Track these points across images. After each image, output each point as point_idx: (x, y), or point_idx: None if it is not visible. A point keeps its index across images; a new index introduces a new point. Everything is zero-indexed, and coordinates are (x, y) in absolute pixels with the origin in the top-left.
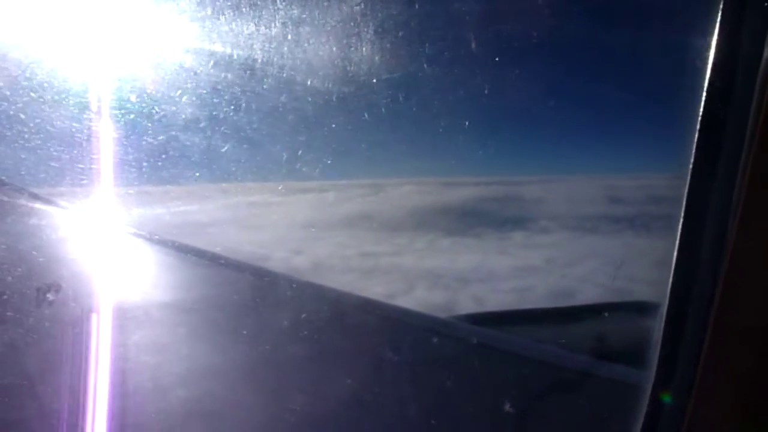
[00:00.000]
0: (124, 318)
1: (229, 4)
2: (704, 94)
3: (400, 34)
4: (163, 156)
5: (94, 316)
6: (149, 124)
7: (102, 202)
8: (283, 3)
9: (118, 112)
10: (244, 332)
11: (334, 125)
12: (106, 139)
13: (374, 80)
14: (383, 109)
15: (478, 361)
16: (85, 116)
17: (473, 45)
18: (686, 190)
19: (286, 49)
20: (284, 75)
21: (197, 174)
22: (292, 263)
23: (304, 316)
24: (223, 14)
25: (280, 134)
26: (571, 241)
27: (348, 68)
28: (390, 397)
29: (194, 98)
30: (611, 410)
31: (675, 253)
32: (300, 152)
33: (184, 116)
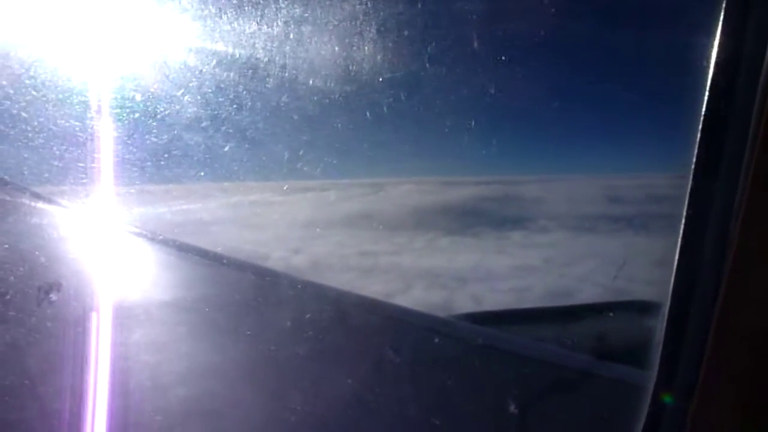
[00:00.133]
0: (124, 317)
1: (231, 3)
2: (707, 93)
3: (402, 33)
4: (165, 155)
5: (94, 315)
6: (151, 123)
7: (103, 201)
8: (285, 2)
9: (119, 111)
10: (244, 331)
11: (334, 125)
12: (107, 138)
13: (375, 80)
14: (384, 109)
15: (479, 361)
16: (87, 115)
17: (473, 45)
18: (688, 190)
19: (288, 48)
20: (286, 74)
21: (198, 173)
22: (292, 262)
23: (304, 315)
24: (226, 14)
25: (282, 133)
26: (570, 240)
27: (349, 68)
28: (390, 397)
29: (196, 97)
30: (612, 410)
31: (677, 253)
32: (301, 151)
33: (185, 115)
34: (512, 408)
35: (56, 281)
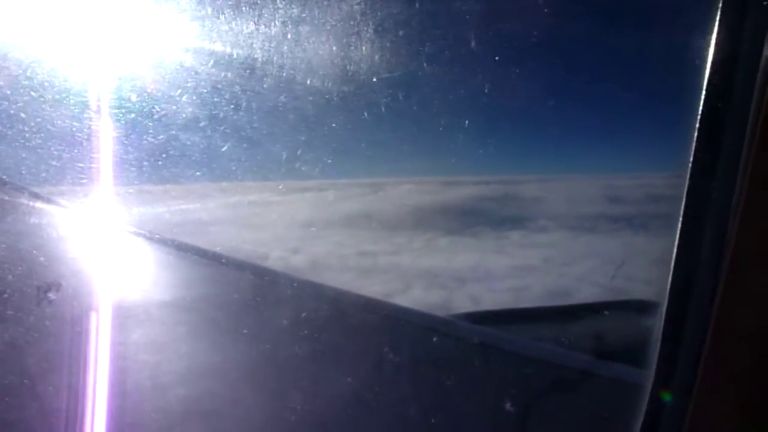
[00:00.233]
0: (124, 316)
1: (229, 3)
2: (704, 92)
3: (400, 33)
4: (163, 155)
5: (94, 315)
6: (149, 124)
7: (102, 200)
8: (283, 2)
9: (118, 111)
10: (244, 331)
11: (333, 125)
12: (106, 138)
13: (374, 79)
14: (382, 109)
15: (478, 360)
16: (85, 115)
17: (472, 44)
18: (686, 190)
19: (285, 48)
20: (284, 74)
21: (197, 173)
22: (290, 262)
23: (303, 314)
24: (223, 14)
25: (280, 133)
26: (569, 240)
27: (347, 67)
28: (389, 396)
29: (194, 97)
30: (611, 409)
31: (675, 252)
32: (299, 151)
33: (184, 115)
34: (511, 407)
35: (55, 281)
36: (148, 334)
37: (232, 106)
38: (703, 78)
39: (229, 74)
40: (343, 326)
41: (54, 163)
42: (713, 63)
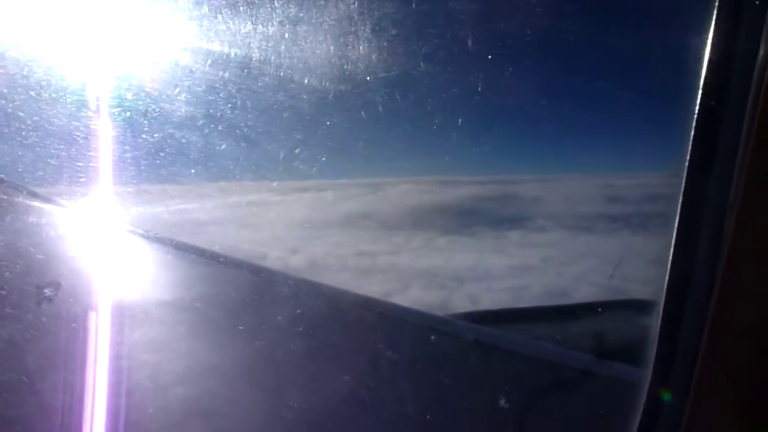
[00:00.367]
0: (123, 316)
1: (227, 3)
2: (700, 92)
3: (398, 32)
4: (162, 154)
5: (93, 314)
6: (148, 123)
7: (101, 200)
8: (281, 2)
9: (116, 110)
10: (243, 330)
11: (332, 124)
12: (104, 138)
13: (372, 79)
14: (381, 108)
15: (476, 359)
16: (83, 114)
17: (470, 43)
18: (682, 188)
19: (284, 47)
20: (282, 74)
21: (196, 173)
22: (289, 262)
23: (303, 313)
24: (221, 13)
25: (280, 134)
26: (568, 239)
27: (345, 67)
28: (388, 395)
29: (193, 97)
30: (609, 407)
31: (672, 251)
32: (299, 152)
33: (183, 115)
34: (509, 405)
35: (55, 280)
36: (147, 333)
37: (230, 106)
38: (700, 77)
39: (227, 74)
40: (341, 325)
41: (52, 162)
42: (709, 62)
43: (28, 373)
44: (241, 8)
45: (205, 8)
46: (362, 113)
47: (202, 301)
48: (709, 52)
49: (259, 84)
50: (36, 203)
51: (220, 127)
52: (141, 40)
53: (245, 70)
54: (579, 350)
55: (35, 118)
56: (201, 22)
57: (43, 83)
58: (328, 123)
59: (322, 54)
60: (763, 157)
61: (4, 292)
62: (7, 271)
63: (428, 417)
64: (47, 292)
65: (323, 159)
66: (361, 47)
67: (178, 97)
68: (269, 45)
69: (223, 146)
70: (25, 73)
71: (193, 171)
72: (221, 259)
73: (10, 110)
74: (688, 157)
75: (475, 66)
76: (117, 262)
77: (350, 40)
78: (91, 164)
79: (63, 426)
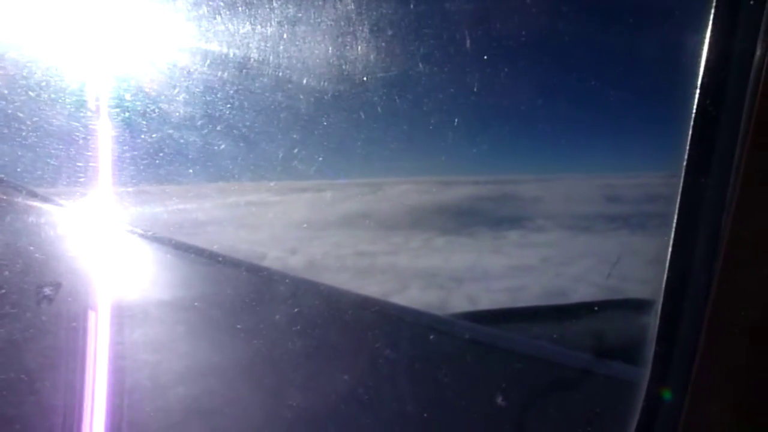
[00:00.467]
0: (122, 315)
1: (226, 3)
2: (697, 92)
3: (396, 32)
4: (161, 155)
5: (92, 314)
6: (147, 123)
7: (100, 200)
8: (279, 2)
9: (115, 110)
10: (243, 329)
11: (331, 125)
12: (103, 138)
13: (370, 79)
14: (380, 109)
15: (474, 358)
16: (83, 115)
17: (469, 44)
18: (681, 188)
19: (283, 47)
20: (281, 74)
21: (195, 173)
22: (288, 262)
23: (301, 313)
24: (220, 14)
25: (278, 134)
26: (567, 239)
27: (344, 67)
28: (388, 394)
29: (192, 97)
30: (607, 407)
31: (670, 251)
32: (298, 152)
33: (182, 115)
34: (508, 405)
35: (54, 280)
36: (146, 333)
37: (229, 106)
38: (697, 77)
39: (226, 74)
40: (341, 324)
41: (51, 162)
42: (707, 62)
43: (28, 373)
44: (240, 9)
45: (204, 9)
46: (361, 113)
47: (202, 300)
48: (706, 52)
49: (258, 84)
50: (35, 203)
51: (218, 128)
52: (140, 41)
53: (244, 71)
54: (577, 349)
55: (35, 118)
56: (200, 22)
57: (43, 84)
58: (326, 123)
59: (320, 54)
60: (761, 156)
61: (3, 292)
62: (7, 270)
63: (426, 416)
64: (47, 291)
65: (322, 159)
66: (359, 47)
67: (177, 98)
68: (268, 45)
69: (222, 146)
70: (24, 73)
71: (191, 171)
72: (220, 259)
73: (9, 110)
74: (686, 157)
75: (474, 66)
76: (116, 261)
77: (348, 40)
78: (90, 164)
79: (62, 425)
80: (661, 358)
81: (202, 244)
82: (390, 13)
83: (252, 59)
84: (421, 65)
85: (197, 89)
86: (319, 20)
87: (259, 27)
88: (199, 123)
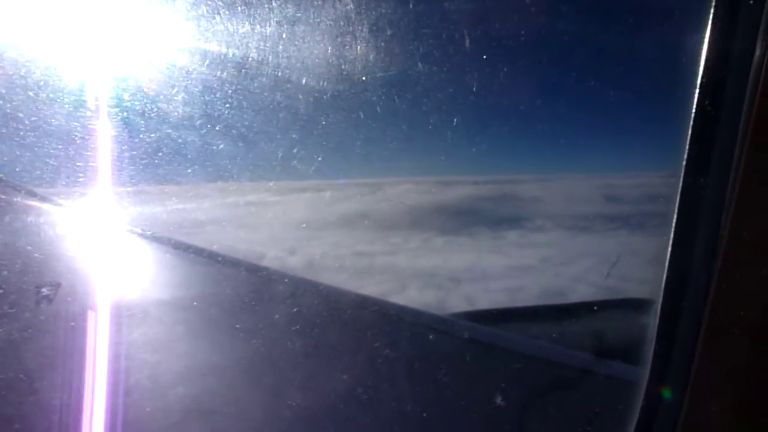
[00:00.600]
0: (121, 315)
1: (225, 3)
2: (697, 92)
3: (396, 32)
4: (160, 155)
5: (91, 313)
6: (146, 123)
7: (99, 199)
8: (278, 2)
9: (114, 110)
10: (242, 329)
11: (330, 124)
12: (103, 138)
13: (369, 79)
14: (379, 109)
15: (474, 358)
16: (82, 115)
17: (468, 44)
18: (680, 188)
19: (281, 48)
20: (279, 74)
21: (194, 173)
22: (287, 262)
23: (300, 312)
24: (219, 14)
25: (277, 134)
26: (566, 239)
27: (343, 67)
28: (387, 394)
29: (191, 97)
30: (607, 406)
31: (669, 250)
32: (297, 152)
33: (180, 115)
34: (507, 404)
35: (54, 279)
36: (145, 332)
37: (228, 106)
38: (697, 77)
39: (225, 74)
40: (340, 324)
41: (51, 161)
42: (706, 62)
43: (27, 372)
44: (239, 9)
45: (203, 9)
46: (360, 113)
47: (201, 300)
48: (705, 52)
49: (257, 84)
50: (34, 203)
51: (217, 128)
52: (139, 41)
53: (243, 71)
54: (577, 349)
55: (34, 118)
56: (198, 22)
57: (42, 83)
58: (325, 123)
59: (319, 54)
60: (760, 156)
61: (2, 291)
62: (6, 270)
63: (426, 415)
64: (46, 291)
65: (321, 159)
66: (358, 47)
67: (176, 98)
68: (267, 45)
69: (221, 146)
70: (23, 73)
71: (191, 171)
72: (219, 259)
73: (8, 110)
74: (685, 157)
75: (473, 66)
76: (115, 261)
77: (347, 40)
78: (89, 164)
79: (61, 425)
80: (660, 358)
81: (202, 243)
82: (389, 13)
83: (251, 59)
84: (420, 65)
85: (196, 89)
86: (318, 20)
87: (258, 27)
88: (198, 123)
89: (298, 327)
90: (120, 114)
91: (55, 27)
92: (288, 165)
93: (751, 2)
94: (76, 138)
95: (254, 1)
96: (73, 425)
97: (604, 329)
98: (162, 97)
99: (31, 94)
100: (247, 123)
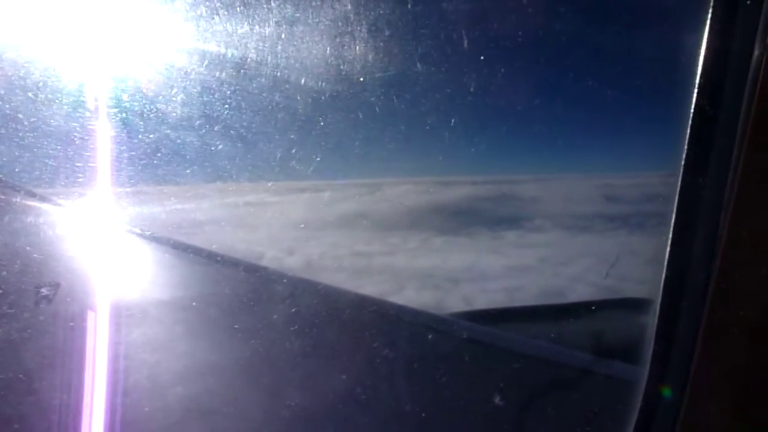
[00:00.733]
0: (120, 315)
1: (224, 3)
2: (695, 91)
3: (395, 32)
4: (159, 155)
5: (91, 314)
6: (145, 124)
7: (98, 200)
8: (277, 2)
9: (113, 111)
10: (240, 329)
11: (328, 125)
12: (102, 138)
13: (368, 79)
14: (378, 109)
15: (473, 358)
16: (81, 115)
17: (467, 44)
18: (678, 188)
19: (279, 48)
20: (278, 74)
21: (193, 173)
22: (285, 262)
23: (299, 312)
24: (218, 14)
25: (276, 134)
26: (565, 239)
27: (342, 67)
28: (386, 394)
29: (190, 98)
30: (606, 406)
31: (668, 250)
32: (295, 152)
33: (179, 116)
34: (506, 404)
35: (53, 280)
36: (144, 333)
37: (227, 107)
38: (695, 77)
39: (224, 74)
40: (338, 324)
41: (50, 162)
42: (704, 62)
43: (26, 372)
44: (237, 9)
45: (202, 9)
46: (359, 113)
47: (200, 300)
48: (704, 52)
49: (256, 85)
50: (34, 203)
51: (216, 128)
52: (138, 42)
53: (241, 71)
54: (576, 349)
55: (33, 118)
56: (197, 23)
57: (41, 84)
58: (324, 123)
59: (318, 54)
60: (758, 156)
61: (1, 292)
62: (6, 270)
63: (424, 415)
64: (45, 291)
65: (320, 159)
66: (357, 48)
67: (175, 98)
68: (265, 46)
69: (220, 147)
70: (22, 74)
71: (189, 171)
72: (218, 259)
73: (8, 111)
74: (684, 157)
75: (472, 66)
76: (115, 261)
77: (346, 40)
78: (88, 165)
79: (61, 425)
80: (659, 358)
81: (200, 244)
82: (387, 14)
83: (250, 59)
84: (419, 65)
85: (195, 90)
86: (316, 20)
87: (256, 27)
88: (197, 123)
89: (296, 327)
90: (119, 114)
91: (54, 27)
92: (287, 165)
93: (749, 2)
94: (76, 138)
95: (253, 2)
96: (73, 425)
97: (603, 329)
98: (161, 97)
99: (30, 94)
100: (245, 123)
